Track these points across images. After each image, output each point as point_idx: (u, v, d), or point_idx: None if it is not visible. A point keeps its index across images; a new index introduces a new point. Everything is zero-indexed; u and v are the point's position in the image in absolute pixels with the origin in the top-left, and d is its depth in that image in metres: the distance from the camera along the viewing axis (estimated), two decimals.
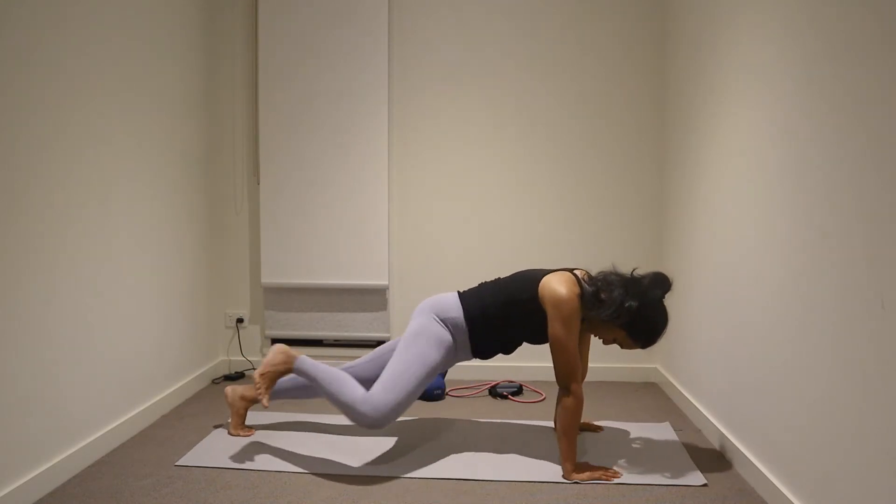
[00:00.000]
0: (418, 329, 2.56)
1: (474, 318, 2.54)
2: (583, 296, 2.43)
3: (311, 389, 2.78)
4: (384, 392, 2.44)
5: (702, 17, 2.98)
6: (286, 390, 2.79)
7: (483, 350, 2.60)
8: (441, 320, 2.57)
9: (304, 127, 3.74)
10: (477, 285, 2.68)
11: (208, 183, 3.72)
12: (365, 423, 2.43)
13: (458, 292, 2.65)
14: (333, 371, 2.53)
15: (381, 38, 3.69)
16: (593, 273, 2.59)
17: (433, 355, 2.51)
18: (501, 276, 2.71)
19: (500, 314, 2.53)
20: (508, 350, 2.62)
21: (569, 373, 2.39)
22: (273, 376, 2.54)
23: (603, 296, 2.42)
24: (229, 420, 2.92)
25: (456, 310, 2.57)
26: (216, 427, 2.94)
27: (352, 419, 2.45)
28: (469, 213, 3.80)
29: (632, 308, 2.37)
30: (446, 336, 2.55)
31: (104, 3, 2.64)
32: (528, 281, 2.52)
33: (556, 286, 2.41)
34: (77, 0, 2.46)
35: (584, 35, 3.70)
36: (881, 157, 1.60)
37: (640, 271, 2.53)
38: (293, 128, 3.74)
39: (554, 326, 2.40)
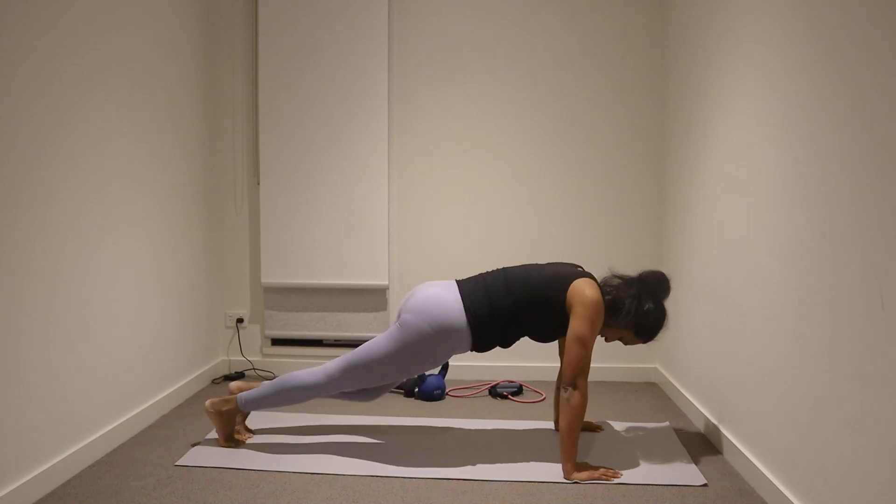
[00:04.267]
0: (411, 335, 2.49)
1: (480, 319, 2.49)
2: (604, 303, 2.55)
3: (287, 395, 2.65)
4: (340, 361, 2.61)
5: (702, 18, 2.98)
6: (264, 397, 2.68)
7: (483, 346, 2.56)
8: (436, 329, 2.48)
9: (304, 127, 3.74)
10: (478, 276, 2.60)
11: (208, 183, 3.72)
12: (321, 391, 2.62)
13: (458, 286, 2.56)
14: (276, 381, 2.68)
15: (381, 38, 3.69)
16: (598, 278, 2.58)
17: (407, 359, 2.53)
18: (508, 269, 2.60)
19: (513, 311, 2.49)
20: (509, 344, 2.58)
21: (583, 369, 2.42)
22: (221, 416, 2.68)
23: (618, 303, 2.54)
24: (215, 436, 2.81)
25: (458, 314, 2.48)
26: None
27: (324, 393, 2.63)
28: (469, 213, 3.80)
29: (650, 311, 2.52)
30: (439, 343, 2.50)
31: (104, 4, 2.64)
32: (556, 281, 2.50)
33: (588, 289, 2.48)
34: (77, 0, 2.46)
35: (585, 36, 3.70)
36: (881, 157, 1.60)
37: (638, 270, 2.58)
38: (293, 128, 3.74)
39: (581, 325, 2.43)
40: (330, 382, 2.60)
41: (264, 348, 3.91)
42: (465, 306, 2.50)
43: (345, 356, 2.62)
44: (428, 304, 2.50)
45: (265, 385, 2.68)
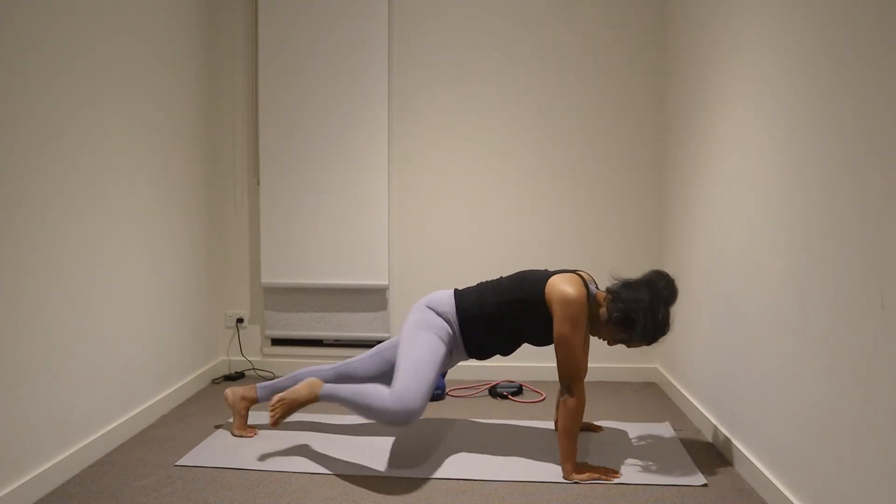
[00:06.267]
0: (419, 321, 2.57)
1: (467, 316, 2.54)
2: (613, 320, 2.43)
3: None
4: (408, 387, 2.36)
5: (702, 17, 2.98)
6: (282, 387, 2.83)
7: (478, 350, 2.59)
8: (437, 313, 2.59)
9: (304, 127, 3.74)
10: (476, 284, 2.68)
11: (208, 183, 3.72)
12: (397, 421, 2.35)
13: (455, 290, 2.65)
14: (355, 387, 2.48)
15: (381, 38, 3.69)
16: (600, 286, 2.57)
17: (439, 344, 2.52)
18: (504, 276, 2.68)
19: (500, 314, 2.52)
20: (507, 351, 2.61)
21: (572, 372, 2.40)
22: (292, 404, 2.53)
23: (631, 318, 2.40)
24: (230, 420, 2.94)
25: (448, 305, 2.58)
26: (217, 427, 2.94)
27: (384, 422, 2.37)
28: (469, 213, 3.80)
29: (663, 321, 2.39)
30: (445, 326, 2.56)
31: (104, 4, 2.64)
32: (534, 282, 2.51)
33: (564, 286, 2.42)
34: (77, 0, 2.46)
35: (585, 35, 3.70)
36: (881, 156, 1.60)
37: (642, 272, 2.54)
38: (293, 128, 3.74)
39: (561, 326, 2.40)
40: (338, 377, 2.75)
41: (264, 348, 3.91)
42: (455, 303, 2.59)
43: (404, 378, 2.50)
44: (425, 298, 2.67)
45: (286, 378, 2.83)
